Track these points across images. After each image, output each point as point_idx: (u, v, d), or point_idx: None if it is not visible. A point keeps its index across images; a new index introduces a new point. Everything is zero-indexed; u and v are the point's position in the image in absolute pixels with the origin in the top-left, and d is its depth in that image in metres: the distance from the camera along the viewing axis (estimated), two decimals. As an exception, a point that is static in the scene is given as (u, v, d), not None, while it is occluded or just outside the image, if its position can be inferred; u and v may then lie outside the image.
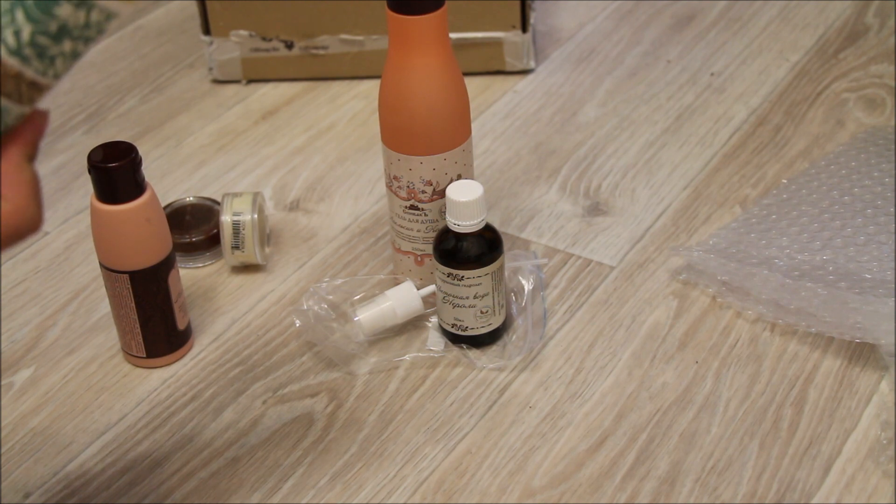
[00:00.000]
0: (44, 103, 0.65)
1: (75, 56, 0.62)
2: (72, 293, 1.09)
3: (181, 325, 1.00)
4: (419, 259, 1.02)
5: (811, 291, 0.97)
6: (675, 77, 1.32)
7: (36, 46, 0.61)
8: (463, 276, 0.96)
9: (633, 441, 0.92)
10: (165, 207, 1.13)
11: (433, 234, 1.00)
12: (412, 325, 1.02)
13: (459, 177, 0.98)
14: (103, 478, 0.92)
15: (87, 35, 0.62)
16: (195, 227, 1.11)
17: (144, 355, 1.00)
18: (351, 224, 1.15)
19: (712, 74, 1.32)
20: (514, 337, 1.00)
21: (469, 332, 0.99)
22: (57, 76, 0.62)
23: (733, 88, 1.30)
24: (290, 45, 1.32)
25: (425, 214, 0.99)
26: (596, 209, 1.15)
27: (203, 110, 1.33)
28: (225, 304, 1.07)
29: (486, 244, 0.96)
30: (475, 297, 0.97)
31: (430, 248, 1.01)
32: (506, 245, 1.02)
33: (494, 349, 1.00)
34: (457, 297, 0.97)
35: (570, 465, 0.90)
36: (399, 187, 0.99)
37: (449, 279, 0.96)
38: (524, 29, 1.31)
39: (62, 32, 0.61)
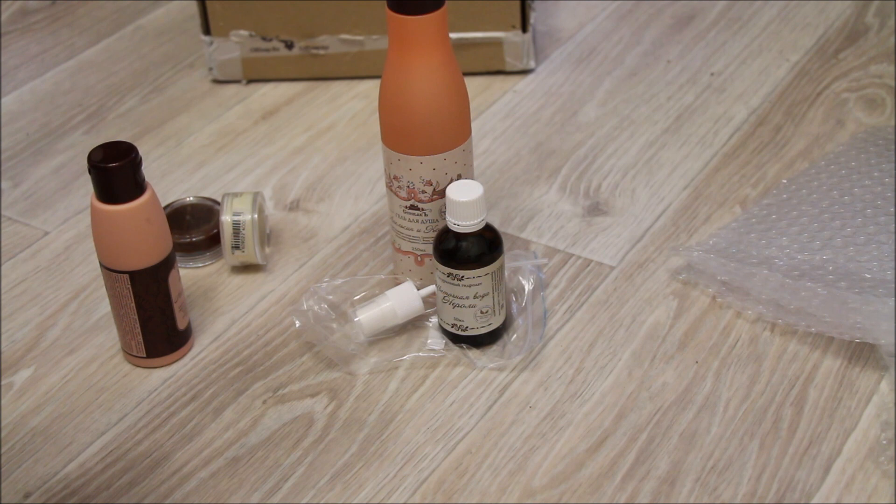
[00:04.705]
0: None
1: None
2: (72, 293, 1.09)
3: (181, 325, 1.00)
4: (419, 259, 1.02)
5: (811, 291, 0.97)
6: (675, 77, 1.32)
7: None
8: (463, 276, 0.96)
9: (633, 441, 0.92)
10: (165, 207, 1.13)
11: (433, 234, 1.00)
12: (412, 325, 1.02)
13: (459, 177, 0.98)
14: (103, 478, 0.92)
15: None
16: (195, 227, 1.11)
17: (144, 355, 1.00)
18: (351, 224, 1.15)
19: (712, 74, 1.32)
20: (514, 337, 1.00)
21: (469, 332, 0.99)
22: None
23: (733, 88, 1.30)
24: (290, 45, 1.32)
25: (425, 214, 0.99)
26: (596, 209, 1.14)
27: (203, 110, 1.33)
28: (225, 304, 1.07)
29: (486, 244, 0.96)
30: (475, 297, 0.97)
31: (430, 248, 1.01)
32: (506, 245, 1.02)
33: (494, 349, 1.00)
34: (457, 297, 0.97)
35: (570, 465, 0.90)
36: (399, 187, 0.99)
37: (449, 279, 0.96)
38: (524, 29, 1.31)
39: None
